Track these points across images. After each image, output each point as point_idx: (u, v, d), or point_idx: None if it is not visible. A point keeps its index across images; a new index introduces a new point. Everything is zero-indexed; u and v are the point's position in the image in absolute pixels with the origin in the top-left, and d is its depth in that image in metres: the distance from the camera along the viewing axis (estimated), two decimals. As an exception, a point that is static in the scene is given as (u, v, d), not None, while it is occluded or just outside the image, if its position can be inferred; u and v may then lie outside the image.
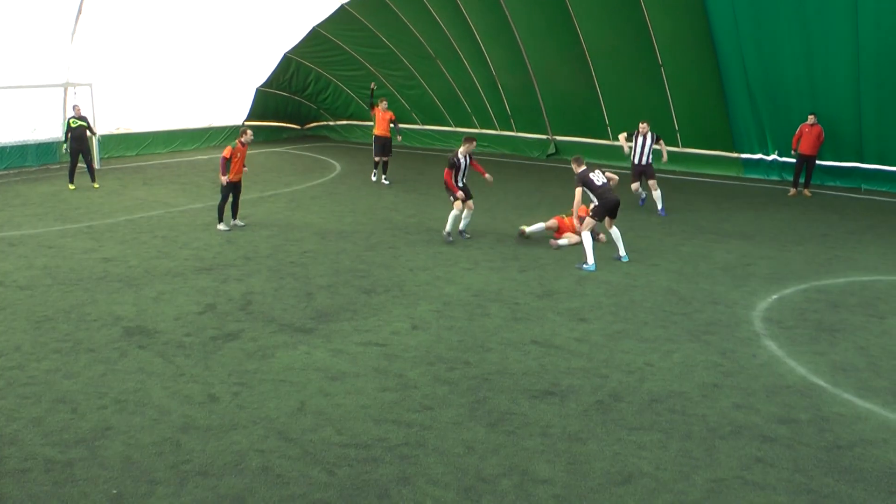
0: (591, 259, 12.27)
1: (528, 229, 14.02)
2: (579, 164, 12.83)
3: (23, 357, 8.48)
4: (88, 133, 19.57)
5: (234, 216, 14.89)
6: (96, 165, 21.99)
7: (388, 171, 20.26)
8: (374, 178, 20.41)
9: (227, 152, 14.22)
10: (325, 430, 6.89)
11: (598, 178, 12.53)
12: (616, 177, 12.94)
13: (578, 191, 12.52)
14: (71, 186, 19.09)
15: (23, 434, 6.76)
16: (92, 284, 11.18)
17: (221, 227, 14.56)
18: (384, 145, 19.92)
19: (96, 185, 19.26)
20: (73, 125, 18.98)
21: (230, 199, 14.61)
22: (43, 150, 21.95)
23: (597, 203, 12.48)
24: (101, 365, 8.29)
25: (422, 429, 6.94)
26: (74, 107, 19.74)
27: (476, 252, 13.19)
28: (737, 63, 19.41)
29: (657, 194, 16.54)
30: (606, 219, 12.67)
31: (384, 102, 20.18)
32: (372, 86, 21.75)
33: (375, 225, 15.26)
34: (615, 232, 12.83)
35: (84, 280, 11.39)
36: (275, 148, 27.81)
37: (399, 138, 20.03)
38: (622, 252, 12.79)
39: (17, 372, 8.08)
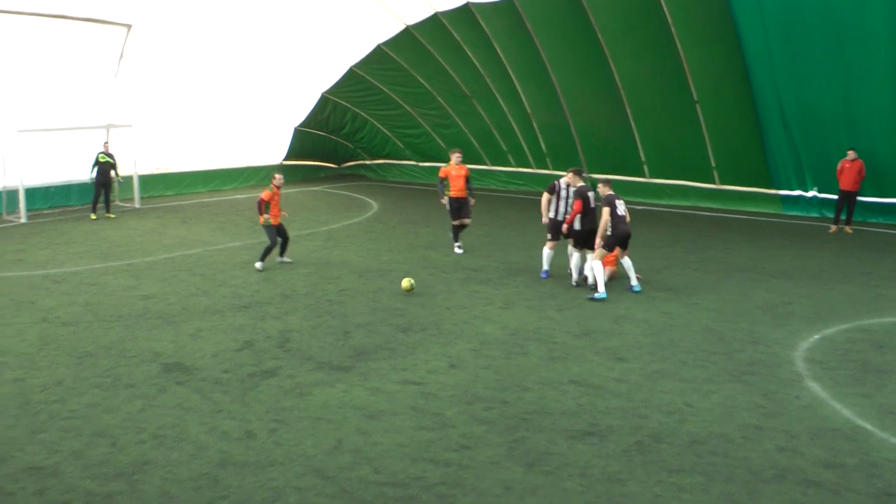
0: (601, 287, 12.56)
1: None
2: (607, 187, 13.17)
3: (64, 391, 8.60)
4: (112, 172, 21.15)
5: (282, 253, 15.20)
6: (136, 205, 22.71)
7: (459, 238, 16.48)
8: (457, 251, 16.27)
9: (265, 195, 14.50)
10: (363, 468, 6.86)
11: (620, 207, 12.81)
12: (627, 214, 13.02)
13: (606, 211, 12.75)
14: (93, 216, 20.66)
15: (63, 467, 6.83)
16: (132, 321, 11.34)
17: (258, 265, 14.69)
18: (461, 207, 16.10)
19: (111, 216, 20.92)
20: (101, 160, 20.72)
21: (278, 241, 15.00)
22: (86, 190, 22.47)
23: (609, 232, 12.69)
24: (140, 400, 8.37)
25: (459, 468, 6.87)
26: (105, 143, 21.16)
27: (513, 291, 13.14)
28: (773, 98, 19.29)
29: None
30: (618, 249, 12.91)
31: (457, 155, 16.43)
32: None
33: (413, 264, 15.29)
34: (627, 261, 13.00)
35: (124, 317, 11.56)
36: (312, 187, 28.15)
37: (472, 201, 16.28)
38: (634, 282, 12.97)
39: (58, 406, 8.19)
